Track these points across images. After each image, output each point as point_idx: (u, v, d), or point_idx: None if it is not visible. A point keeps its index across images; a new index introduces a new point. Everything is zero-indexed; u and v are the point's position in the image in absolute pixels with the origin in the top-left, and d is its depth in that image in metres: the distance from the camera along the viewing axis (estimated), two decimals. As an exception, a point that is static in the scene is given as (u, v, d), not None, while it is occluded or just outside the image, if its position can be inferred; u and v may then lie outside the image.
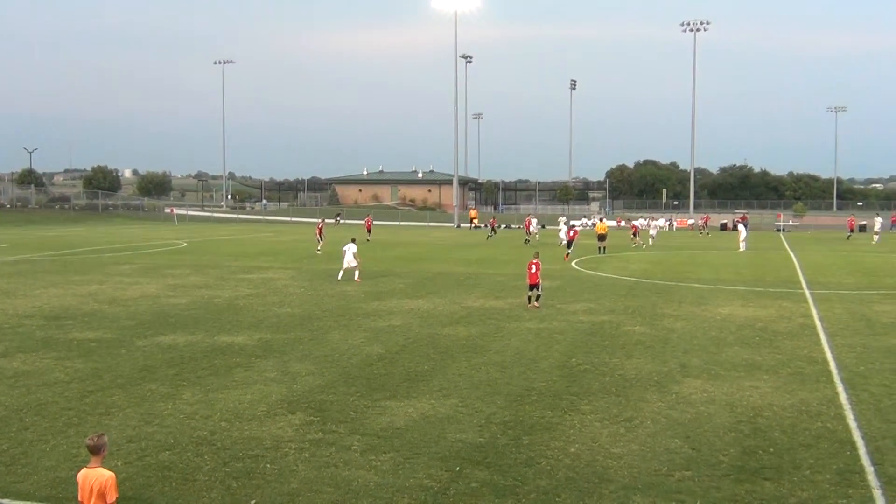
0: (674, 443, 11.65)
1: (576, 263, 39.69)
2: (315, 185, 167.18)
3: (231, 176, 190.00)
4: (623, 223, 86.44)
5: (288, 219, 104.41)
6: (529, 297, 24.83)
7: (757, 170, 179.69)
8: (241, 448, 11.39)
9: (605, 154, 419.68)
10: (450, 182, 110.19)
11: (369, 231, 61.81)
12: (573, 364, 16.83)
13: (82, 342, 19.05)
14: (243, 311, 24.06)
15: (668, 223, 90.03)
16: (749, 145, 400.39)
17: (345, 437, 11.91)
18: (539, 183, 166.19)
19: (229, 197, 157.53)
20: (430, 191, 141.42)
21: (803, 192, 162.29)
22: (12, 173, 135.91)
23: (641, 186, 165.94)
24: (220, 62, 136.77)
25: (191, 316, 23.06)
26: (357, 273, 31.71)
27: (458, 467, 10.66)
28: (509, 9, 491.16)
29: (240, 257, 43.71)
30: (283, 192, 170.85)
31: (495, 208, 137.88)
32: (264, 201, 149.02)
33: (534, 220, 62.28)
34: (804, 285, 31.04)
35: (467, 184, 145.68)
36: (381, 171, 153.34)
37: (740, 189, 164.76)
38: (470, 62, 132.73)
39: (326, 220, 55.08)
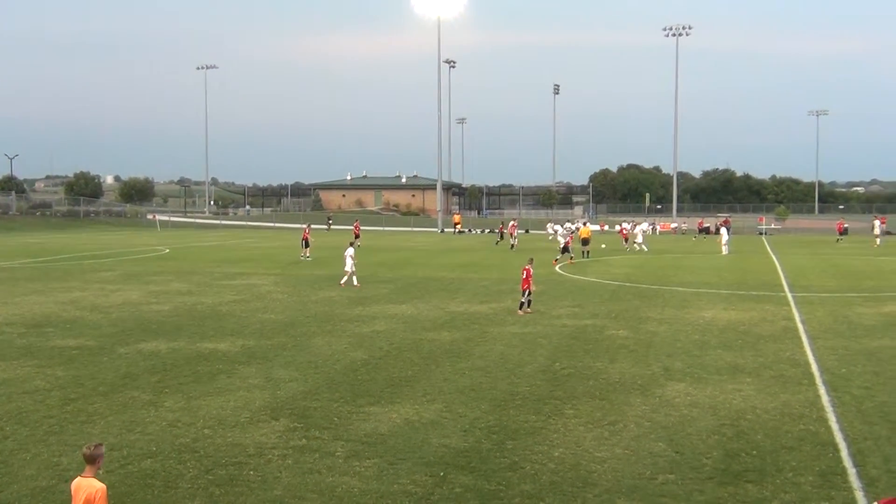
0: (657, 446, 11.68)
1: (559, 268, 39.76)
2: (298, 191, 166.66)
3: (214, 182, 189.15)
4: (606, 227, 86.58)
5: (271, 224, 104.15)
6: (521, 304, 24.70)
7: (739, 173, 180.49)
8: (224, 455, 11.33)
9: (588, 158, 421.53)
10: (434, 187, 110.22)
11: (357, 237, 61.76)
12: (557, 368, 16.85)
13: (63, 350, 18.91)
14: (226, 317, 23.95)
15: (651, 227, 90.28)
16: (731, 149, 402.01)
17: (328, 443, 11.87)
18: (523, 188, 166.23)
19: (212, 203, 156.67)
20: (413, 196, 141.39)
21: (785, 195, 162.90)
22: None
23: (625, 191, 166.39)
24: (203, 67, 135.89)
25: (173, 323, 22.93)
26: (355, 278, 31.55)
27: (443, 472, 10.64)
28: (493, 14, 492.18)
29: (223, 263, 43.51)
30: (267, 197, 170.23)
31: (479, 213, 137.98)
32: (247, 207, 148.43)
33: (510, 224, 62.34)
34: (786, 288, 31.22)
35: (451, 189, 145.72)
36: (364, 177, 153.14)
37: (723, 193, 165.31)
38: (453, 67, 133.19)
39: (313, 226, 54.91)
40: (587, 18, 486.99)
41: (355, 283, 31.24)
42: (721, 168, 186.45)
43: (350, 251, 32.28)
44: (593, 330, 21.58)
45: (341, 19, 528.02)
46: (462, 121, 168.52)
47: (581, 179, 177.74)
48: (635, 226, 63.27)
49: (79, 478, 7.32)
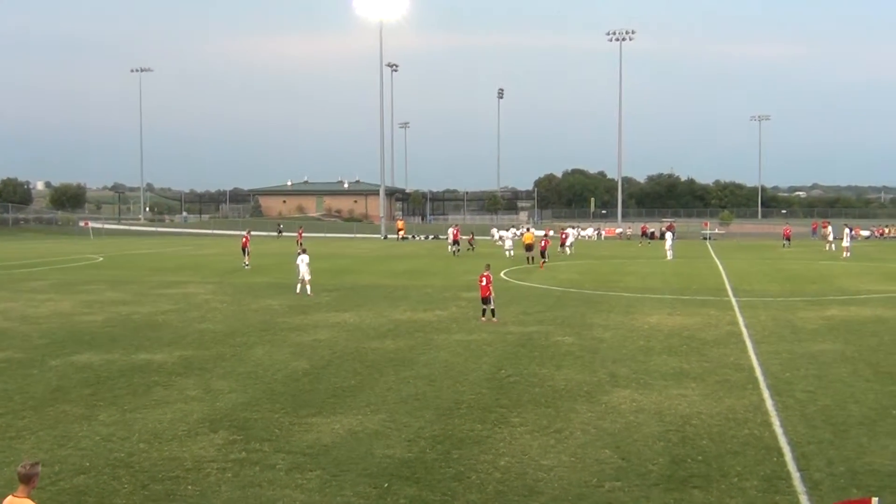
0: (604, 453, 11.65)
1: (504, 274, 39.82)
2: (237, 197, 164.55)
3: (149, 187, 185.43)
4: (552, 233, 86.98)
5: (209, 231, 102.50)
6: (484, 311, 24.41)
7: (683, 178, 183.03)
8: (161, 470, 11.02)
9: (533, 163, 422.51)
10: (377, 192, 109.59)
11: (299, 244, 61.32)
12: (502, 376, 16.75)
13: (-10, 362, 18.23)
14: (163, 327, 23.41)
15: (596, 232, 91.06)
16: (675, 154, 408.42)
17: (269, 455, 11.62)
18: (467, 193, 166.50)
19: (147, 209, 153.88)
20: (356, 202, 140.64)
21: (729, 200, 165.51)
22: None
23: (570, 196, 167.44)
24: (137, 70, 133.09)
25: (107, 333, 22.33)
26: (309, 287, 31.07)
27: (387, 484, 10.48)
28: (436, 17, 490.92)
29: (159, 272, 42.66)
30: (205, 203, 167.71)
31: (423, 219, 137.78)
32: (184, 214, 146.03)
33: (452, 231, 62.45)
34: (730, 293, 31.60)
35: (394, 194, 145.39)
36: (306, 182, 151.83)
37: (667, 197, 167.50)
38: (396, 70, 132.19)
39: (252, 233, 54.21)
40: (531, 22, 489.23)
41: (309, 292, 30.78)
42: (665, 173, 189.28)
43: (305, 259, 31.68)
44: (539, 337, 21.54)
45: (281, 21, 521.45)
46: (405, 125, 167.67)
47: (526, 184, 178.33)
48: (570, 230, 63.99)
49: (11, 497, 6.94)
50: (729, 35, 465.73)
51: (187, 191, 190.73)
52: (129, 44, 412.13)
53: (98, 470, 11.02)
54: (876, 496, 7.33)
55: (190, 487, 10.37)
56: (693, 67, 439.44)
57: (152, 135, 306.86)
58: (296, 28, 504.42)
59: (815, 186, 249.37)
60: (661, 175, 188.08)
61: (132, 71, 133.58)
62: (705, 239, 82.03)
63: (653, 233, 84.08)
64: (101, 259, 53.15)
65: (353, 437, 12.49)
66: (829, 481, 10.53)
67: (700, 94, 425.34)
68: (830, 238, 62.69)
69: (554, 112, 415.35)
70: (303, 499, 9.96)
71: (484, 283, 24.29)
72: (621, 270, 43.48)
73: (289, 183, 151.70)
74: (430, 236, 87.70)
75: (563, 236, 48.21)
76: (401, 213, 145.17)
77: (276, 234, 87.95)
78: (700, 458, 11.46)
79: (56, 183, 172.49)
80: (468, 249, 59.85)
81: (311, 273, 31.48)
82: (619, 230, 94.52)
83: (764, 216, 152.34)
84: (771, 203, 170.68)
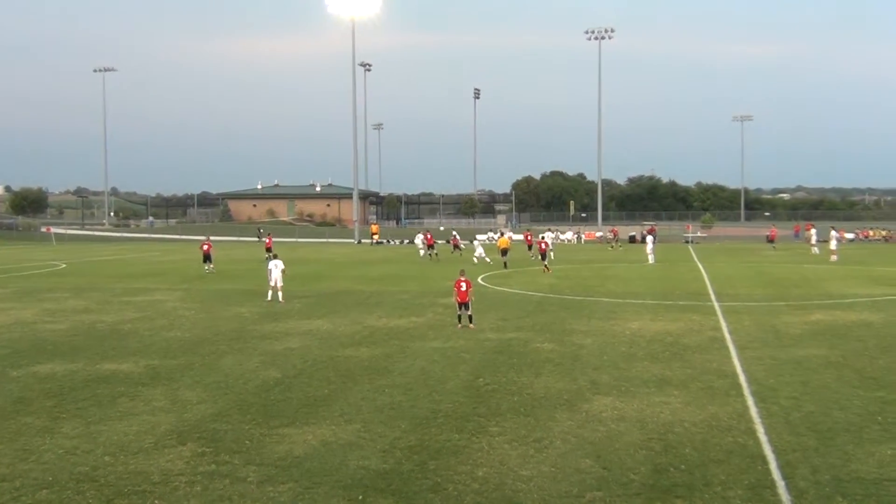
0: (584, 463, 11.43)
1: (481, 279, 39.62)
2: (206, 201, 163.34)
3: (114, 192, 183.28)
4: (532, 237, 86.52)
5: (177, 236, 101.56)
6: (460, 317, 24.14)
7: (665, 180, 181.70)
8: (127, 483, 10.68)
9: (510, 166, 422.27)
10: (350, 196, 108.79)
11: (269, 250, 60.70)
12: (480, 384, 16.46)
13: (-52, 373, 17.69)
14: (128, 336, 22.91)
15: (576, 236, 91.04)
16: (657, 156, 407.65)
17: (240, 467, 11.29)
18: (443, 196, 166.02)
19: (112, 214, 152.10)
20: (329, 205, 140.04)
21: (711, 202, 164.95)
22: None
23: (548, 198, 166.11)
24: (100, 70, 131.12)
25: (70, 343, 21.81)
26: (281, 294, 30.57)
27: (362, 496, 10.20)
28: (410, 15, 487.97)
29: (124, 278, 41.99)
30: (171, 208, 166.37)
31: (398, 223, 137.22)
32: (150, 218, 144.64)
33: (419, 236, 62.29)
34: (713, 298, 31.46)
35: (368, 198, 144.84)
36: (276, 185, 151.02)
37: (649, 200, 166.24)
38: (369, 70, 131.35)
39: (212, 238, 53.80)
40: (507, 20, 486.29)
41: (280, 299, 30.31)
42: (646, 175, 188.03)
43: (279, 264, 31.13)
44: (518, 343, 21.25)
45: (250, 19, 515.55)
46: (379, 126, 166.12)
47: (503, 187, 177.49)
48: (548, 233, 63.83)
49: None
50: (710, 34, 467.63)
51: (153, 195, 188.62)
52: (91, 43, 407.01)
53: (61, 484, 10.67)
54: None
55: (157, 502, 10.07)
56: (674, 67, 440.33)
57: (117, 137, 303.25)
58: (266, 27, 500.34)
59: (798, 188, 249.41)
60: (641, 177, 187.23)
61: (95, 71, 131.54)
62: (687, 242, 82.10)
63: (634, 236, 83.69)
64: (64, 266, 52.32)
65: (327, 448, 12.17)
66: (814, 490, 10.38)
67: (681, 94, 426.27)
68: (814, 241, 62.23)
69: (532, 113, 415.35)
70: (276, 513, 9.63)
71: (464, 287, 23.89)
72: (602, 275, 43.43)
73: (259, 186, 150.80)
74: (406, 240, 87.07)
75: (543, 246, 47.13)
76: (375, 216, 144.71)
77: (256, 238, 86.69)
78: (683, 466, 11.27)
79: (16, 187, 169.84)
80: (452, 252, 59.62)
81: (284, 279, 31.02)
82: (599, 233, 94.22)
83: (747, 219, 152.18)
84: (754, 205, 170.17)
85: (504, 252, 48.36)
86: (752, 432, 12.88)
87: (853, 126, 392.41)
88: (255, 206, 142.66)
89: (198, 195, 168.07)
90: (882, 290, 33.37)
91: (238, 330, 23.84)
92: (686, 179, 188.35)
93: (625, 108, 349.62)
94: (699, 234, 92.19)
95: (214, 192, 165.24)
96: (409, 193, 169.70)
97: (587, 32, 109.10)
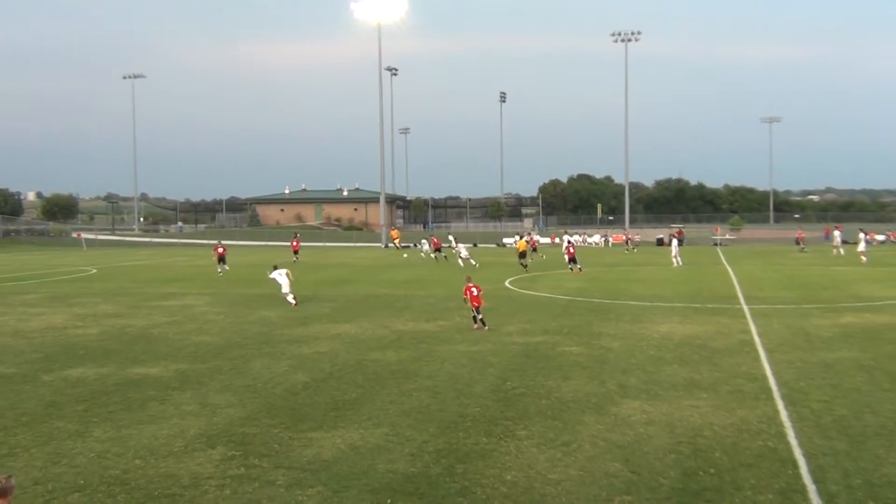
0: (613, 466, 11.35)
1: (508, 283, 39.53)
2: (234, 206, 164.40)
3: (143, 197, 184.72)
4: (556, 240, 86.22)
5: (205, 241, 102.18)
6: (475, 318, 24.32)
7: (693, 183, 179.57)
8: (157, 487, 10.73)
9: (537, 169, 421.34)
10: (377, 200, 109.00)
11: (296, 252, 61.18)
12: (508, 388, 16.41)
13: (-18, 377, 17.89)
14: (158, 340, 23.08)
15: (603, 239, 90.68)
16: (684, 158, 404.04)
17: (269, 471, 11.33)
18: (470, 200, 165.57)
19: (142, 219, 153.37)
20: (356, 209, 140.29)
21: (739, 204, 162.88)
22: None
23: (576, 202, 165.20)
24: (129, 77, 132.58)
25: (101, 347, 21.98)
26: (291, 296, 30.83)
27: (390, 499, 10.19)
28: (436, 19, 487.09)
29: (154, 283, 42.34)
30: (200, 213, 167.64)
31: (425, 227, 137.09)
32: (180, 223, 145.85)
33: (425, 242, 62.68)
34: (742, 300, 31.13)
35: (395, 202, 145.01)
36: (304, 190, 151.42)
37: (676, 203, 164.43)
38: (395, 75, 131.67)
39: (223, 242, 54.38)
40: (533, 24, 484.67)
41: (292, 301, 30.54)
42: (674, 177, 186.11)
43: (283, 272, 31.40)
44: (545, 347, 21.16)
45: (277, 25, 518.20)
46: (405, 130, 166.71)
47: (530, 190, 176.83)
48: (564, 236, 63.62)
49: None
50: (738, 35, 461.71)
51: (182, 200, 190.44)
52: (120, 50, 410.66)
53: (93, 487, 10.74)
54: None
55: (187, 506, 10.07)
56: (701, 68, 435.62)
57: (146, 143, 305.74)
58: (293, 32, 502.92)
59: (828, 190, 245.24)
60: (669, 179, 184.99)
61: (124, 77, 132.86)
62: (716, 245, 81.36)
63: (661, 239, 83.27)
64: (95, 271, 52.83)
65: (355, 451, 12.18)
66: (845, 494, 10.25)
67: (709, 95, 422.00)
68: (837, 242, 61.35)
69: (558, 116, 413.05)
70: (305, 517, 9.67)
71: (475, 292, 24.09)
72: (629, 278, 43.17)
73: (286, 191, 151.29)
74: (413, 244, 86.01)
75: (572, 250, 46.71)
76: (402, 220, 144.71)
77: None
78: (713, 470, 11.17)
79: (47, 193, 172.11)
80: (444, 257, 59.86)
81: (296, 284, 31.23)
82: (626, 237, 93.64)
83: (776, 221, 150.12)
84: (783, 207, 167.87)
85: (522, 255, 48.50)
86: (782, 436, 12.73)
87: (884, 126, 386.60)
88: (282, 210, 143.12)
89: (226, 200, 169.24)
90: (914, 292, 32.90)
91: (266, 334, 23.96)
92: (714, 181, 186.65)
93: (652, 109, 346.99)
94: (728, 236, 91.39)
95: (243, 196, 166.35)
96: (436, 197, 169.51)
97: (613, 35, 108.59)
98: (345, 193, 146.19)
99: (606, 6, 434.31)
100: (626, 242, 76.76)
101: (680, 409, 14.48)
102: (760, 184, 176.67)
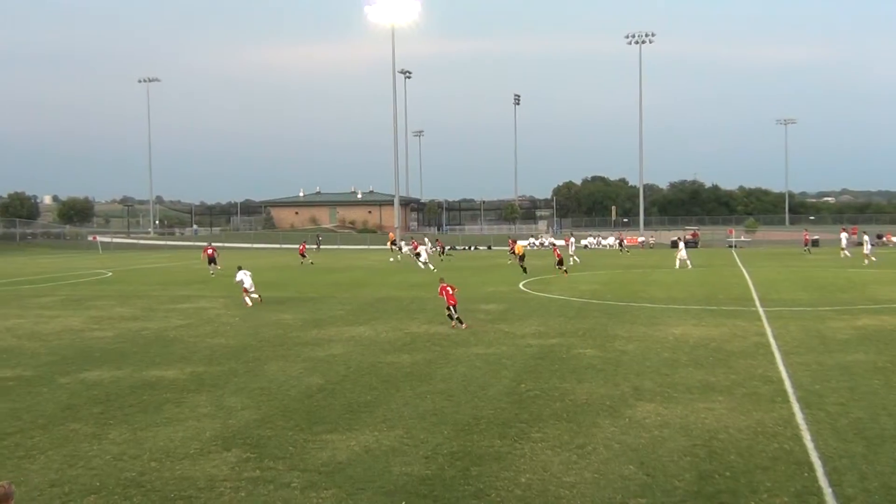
0: (628, 469, 11.32)
1: (523, 285, 39.48)
2: (249, 209, 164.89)
3: (158, 200, 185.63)
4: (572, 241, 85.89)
5: (221, 244, 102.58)
6: (451, 317, 24.90)
7: (708, 184, 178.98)
8: (173, 489, 10.77)
9: (551, 171, 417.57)
10: (391, 203, 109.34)
11: (303, 255, 62.55)
12: (522, 390, 16.39)
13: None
14: (173, 343, 23.17)
15: (617, 241, 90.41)
16: (699, 160, 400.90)
17: (284, 473, 11.35)
18: (484, 202, 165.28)
19: (157, 222, 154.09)
20: (370, 212, 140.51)
21: (754, 206, 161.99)
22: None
23: (590, 204, 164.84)
24: (145, 80, 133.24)
25: (117, 350, 22.10)
26: (250, 297, 32.37)
27: (404, 502, 10.20)
28: (449, 22, 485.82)
29: (169, 286, 42.52)
30: (215, 216, 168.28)
31: (439, 229, 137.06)
32: (195, 226, 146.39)
33: (398, 240, 62.98)
34: (757, 303, 30.95)
35: (409, 204, 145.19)
36: (318, 193, 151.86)
37: (691, 204, 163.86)
38: (409, 77, 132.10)
39: (214, 244, 55.03)
40: (546, 27, 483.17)
41: (247, 300, 32.06)
42: (688, 179, 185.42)
43: (248, 272, 33.17)
44: (560, 349, 21.11)
45: (291, 28, 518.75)
46: (419, 133, 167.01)
47: (544, 193, 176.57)
48: (569, 239, 63.71)
49: None
50: (752, 37, 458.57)
51: (197, 203, 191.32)
52: (135, 54, 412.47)
53: (109, 490, 10.78)
54: None
55: (203, 508, 10.10)
56: (716, 70, 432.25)
57: (161, 147, 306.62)
58: (307, 35, 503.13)
59: (844, 191, 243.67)
60: (684, 181, 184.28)
61: (139, 81, 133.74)
62: (731, 247, 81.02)
63: (676, 241, 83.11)
64: (111, 274, 53.13)
65: (370, 454, 12.19)
66: (862, 497, 10.18)
67: (723, 97, 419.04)
68: (843, 244, 61.35)
69: (573, 117, 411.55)
70: (319, 519, 9.69)
71: (451, 291, 24.75)
72: (644, 280, 43.01)
73: (301, 194, 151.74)
74: (447, 248, 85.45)
75: (557, 253, 48.57)
76: (416, 223, 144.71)
77: (315, 247, 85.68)
78: (728, 473, 11.11)
79: (63, 197, 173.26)
80: (441, 259, 59.88)
81: (310, 286, 31.96)
82: (640, 239, 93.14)
83: (792, 223, 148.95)
84: (799, 209, 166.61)
85: (521, 258, 48.74)
86: (798, 439, 12.65)
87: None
88: (297, 213, 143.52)
89: (241, 203, 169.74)
90: (932, 294, 32.62)
91: (281, 336, 24.02)
92: (729, 183, 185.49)
93: (666, 111, 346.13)
94: (743, 238, 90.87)
95: (257, 199, 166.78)
96: (451, 200, 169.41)
97: (628, 37, 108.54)
98: (359, 196, 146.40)
99: (620, 8, 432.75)
100: (619, 244, 78.74)
101: (695, 411, 14.41)
102: (776, 186, 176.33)
